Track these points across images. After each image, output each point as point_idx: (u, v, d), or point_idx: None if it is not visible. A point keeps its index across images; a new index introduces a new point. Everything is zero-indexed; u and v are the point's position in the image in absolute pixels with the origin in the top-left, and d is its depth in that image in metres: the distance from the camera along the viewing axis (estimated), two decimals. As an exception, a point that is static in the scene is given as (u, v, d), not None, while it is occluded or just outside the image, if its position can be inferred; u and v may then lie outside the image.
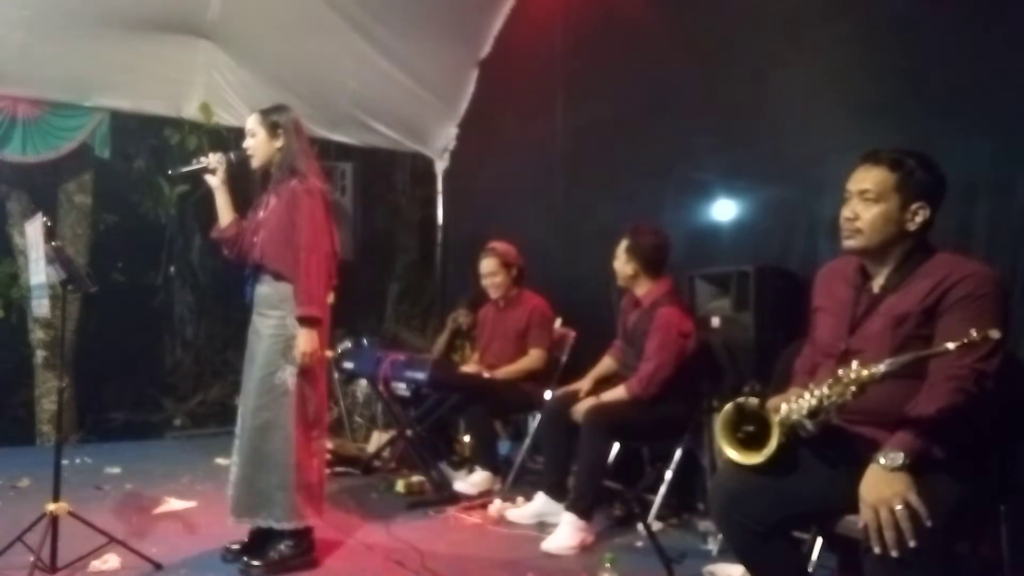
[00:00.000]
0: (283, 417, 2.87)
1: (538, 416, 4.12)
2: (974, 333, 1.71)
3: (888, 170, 2.00)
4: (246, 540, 3.00)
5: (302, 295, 2.83)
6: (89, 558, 2.86)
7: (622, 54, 4.48)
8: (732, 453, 2.02)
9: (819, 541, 2.33)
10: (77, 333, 5.41)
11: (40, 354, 5.39)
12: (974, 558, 2.09)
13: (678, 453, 3.49)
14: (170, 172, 3.96)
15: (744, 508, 1.99)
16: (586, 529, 3.27)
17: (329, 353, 3.70)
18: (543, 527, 3.45)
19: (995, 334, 1.72)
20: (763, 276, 3.39)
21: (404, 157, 6.51)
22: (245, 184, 3.30)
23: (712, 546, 3.17)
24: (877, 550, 1.73)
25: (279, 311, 2.89)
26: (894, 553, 1.71)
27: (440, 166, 6.09)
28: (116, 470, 4.54)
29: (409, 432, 4.29)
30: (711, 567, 2.89)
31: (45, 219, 2.86)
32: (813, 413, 1.88)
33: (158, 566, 2.89)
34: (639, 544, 3.27)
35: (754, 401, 2.02)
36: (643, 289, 3.56)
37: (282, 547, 2.90)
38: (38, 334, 5.37)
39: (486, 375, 4.28)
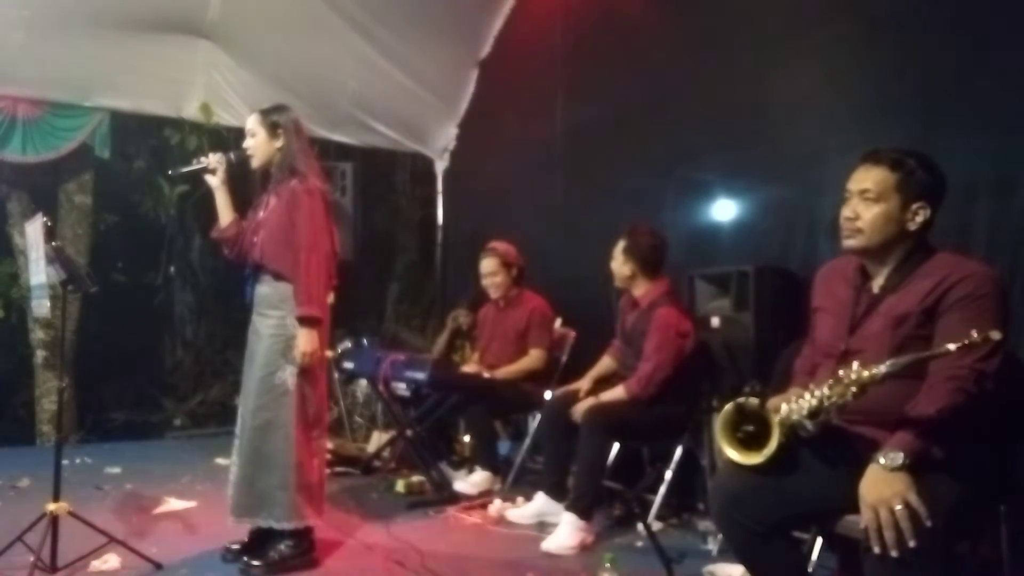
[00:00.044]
0: (283, 417, 2.87)
1: (538, 416, 4.12)
2: (975, 334, 1.71)
3: (889, 170, 2.00)
4: (246, 540, 3.00)
5: (302, 295, 2.83)
6: (89, 558, 2.86)
7: (622, 54, 4.48)
8: (732, 453, 2.02)
9: (819, 541, 2.33)
10: (77, 333, 5.41)
11: (40, 354, 5.39)
12: (974, 558, 2.10)
13: (678, 453, 3.49)
14: (170, 172, 3.96)
15: (744, 508, 1.99)
16: (586, 529, 3.27)
17: (329, 353, 3.70)
18: (543, 527, 3.45)
19: (996, 335, 1.72)
20: (763, 276, 3.39)
21: (404, 157, 6.51)
22: (245, 184, 3.30)
23: (712, 546, 3.17)
24: (877, 550, 1.73)
25: (279, 311, 2.89)
26: (894, 553, 1.70)
27: (440, 166, 6.09)
28: (116, 470, 4.54)
29: (409, 432, 4.29)
30: (711, 567, 2.89)
31: (45, 219, 2.86)
32: (813, 413, 1.88)
33: (158, 566, 2.90)
34: (639, 544, 3.27)
35: (754, 401, 2.01)
36: (641, 289, 3.56)
37: (282, 547, 2.90)
38: (38, 334, 5.37)
39: (486, 375, 4.28)
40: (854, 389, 1.82)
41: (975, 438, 1.90)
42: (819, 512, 2.04)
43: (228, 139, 4.99)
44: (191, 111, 5.25)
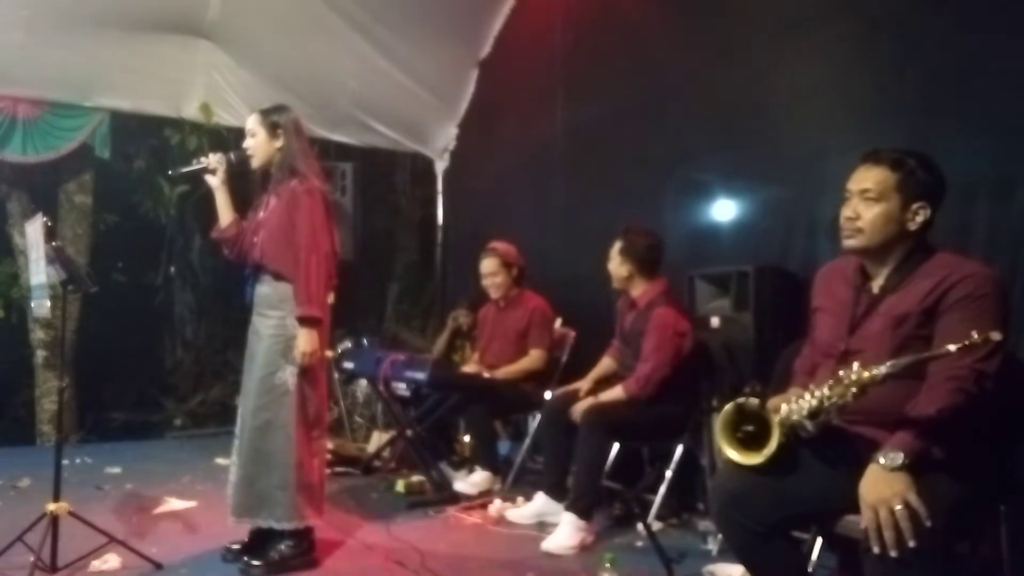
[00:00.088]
0: (283, 417, 2.87)
1: (538, 416, 4.12)
2: (975, 335, 1.71)
3: (889, 170, 2.00)
4: (246, 540, 3.00)
5: (302, 295, 2.83)
6: (89, 558, 2.86)
7: (622, 54, 4.48)
8: (732, 453, 2.02)
9: (819, 541, 2.33)
10: (77, 333, 5.42)
11: (40, 354, 5.39)
12: (974, 558, 2.10)
13: (678, 453, 3.49)
14: (170, 172, 3.95)
15: (744, 508, 1.99)
16: (586, 529, 3.27)
17: (329, 353, 3.70)
18: (543, 527, 3.45)
19: (996, 335, 1.72)
20: (763, 276, 3.39)
21: (404, 157, 6.51)
22: (245, 184, 3.30)
23: (712, 546, 3.17)
24: (877, 550, 1.73)
25: (279, 311, 2.89)
26: (893, 553, 1.70)
27: (440, 166, 6.09)
28: (116, 470, 4.55)
29: (409, 432, 4.29)
30: (711, 567, 2.89)
31: (45, 219, 2.86)
32: (813, 414, 1.88)
33: (158, 566, 2.90)
34: (639, 544, 3.27)
35: (754, 401, 2.02)
36: (638, 290, 3.56)
37: (282, 547, 2.90)
38: (38, 334, 5.37)
39: (486, 375, 4.28)
40: (854, 389, 1.82)
41: (975, 438, 1.90)
42: (819, 512, 2.04)
43: (228, 139, 4.99)
44: (191, 111, 5.25)
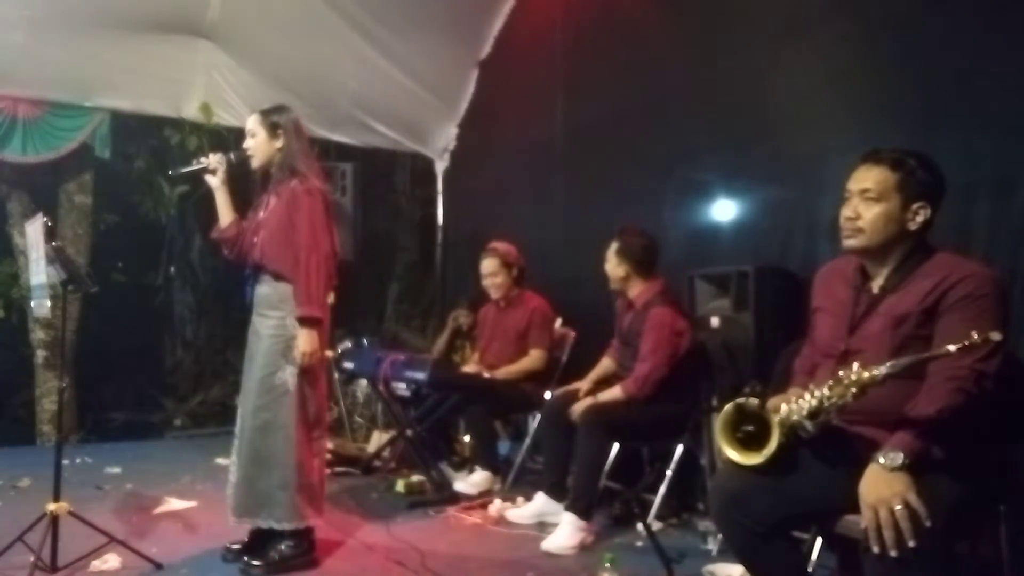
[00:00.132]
0: (283, 417, 2.87)
1: (538, 416, 4.12)
2: (975, 335, 1.71)
3: (889, 170, 2.00)
4: (246, 540, 3.00)
5: (302, 295, 2.83)
6: (89, 558, 2.86)
7: (622, 54, 4.48)
8: (732, 453, 2.02)
9: (819, 541, 2.33)
10: (77, 333, 5.41)
11: (40, 354, 5.39)
12: (974, 558, 2.10)
13: (678, 453, 3.49)
14: (170, 172, 3.96)
15: (744, 508, 1.99)
16: (586, 529, 3.28)
17: (329, 353, 3.71)
18: (543, 527, 3.45)
19: (996, 336, 1.73)
20: (763, 276, 3.39)
21: (404, 157, 6.51)
22: (245, 184, 3.30)
23: (712, 546, 3.18)
24: (876, 550, 1.73)
25: (279, 311, 2.90)
26: (893, 553, 1.70)
27: (440, 166, 6.10)
28: (116, 470, 4.55)
29: (409, 432, 4.29)
30: (711, 567, 2.89)
31: (45, 219, 2.86)
32: (813, 414, 1.88)
33: (158, 566, 2.90)
34: (639, 544, 3.27)
35: (754, 401, 2.01)
36: (636, 290, 3.57)
37: (283, 547, 2.90)
38: (38, 334, 5.37)
39: (486, 375, 4.28)
40: (854, 390, 1.82)
41: (975, 438, 1.90)
42: (819, 512, 2.04)
43: (228, 139, 4.99)
44: (191, 111, 5.25)
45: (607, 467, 3.63)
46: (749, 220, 3.88)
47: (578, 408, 3.44)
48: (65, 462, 3.13)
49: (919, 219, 1.99)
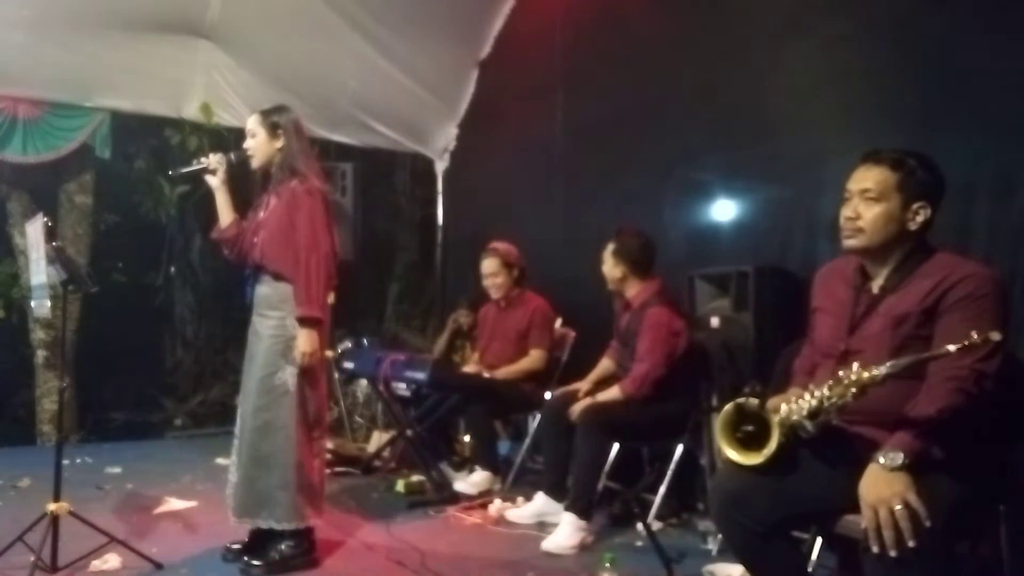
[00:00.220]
0: (284, 417, 2.87)
1: (538, 416, 4.12)
2: (975, 335, 1.71)
3: (889, 170, 2.00)
4: (247, 540, 3.01)
5: (302, 295, 2.83)
6: (90, 558, 2.86)
7: (622, 54, 4.48)
8: (732, 453, 2.02)
9: (819, 541, 2.33)
10: (78, 333, 5.41)
11: (41, 354, 5.39)
12: (974, 558, 2.09)
13: (678, 453, 3.49)
14: (171, 172, 3.95)
15: (744, 508, 1.99)
16: (586, 529, 3.28)
17: (329, 353, 3.71)
18: (543, 527, 3.45)
19: (996, 336, 1.73)
20: (763, 276, 3.39)
21: (404, 157, 6.51)
22: (245, 184, 3.30)
23: (712, 546, 3.18)
24: (876, 550, 1.73)
25: (279, 312, 2.90)
26: (893, 553, 1.71)
27: (440, 166, 6.10)
28: (117, 470, 4.55)
29: (409, 432, 4.29)
30: (711, 567, 2.89)
31: (46, 219, 2.87)
32: (813, 414, 1.88)
33: (158, 566, 2.90)
34: (639, 544, 3.27)
35: (754, 401, 2.02)
36: (633, 290, 3.58)
37: (283, 547, 2.90)
38: (39, 334, 5.37)
39: (486, 375, 4.28)
40: (854, 390, 1.82)
41: (975, 438, 1.90)
42: (819, 512, 2.04)
43: (228, 139, 4.99)
44: (191, 111, 5.25)
45: (607, 467, 3.63)
46: (749, 220, 3.88)
47: (577, 408, 3.45)
48: (65, 462, 3.13)
49: (919, 219, 1.99)
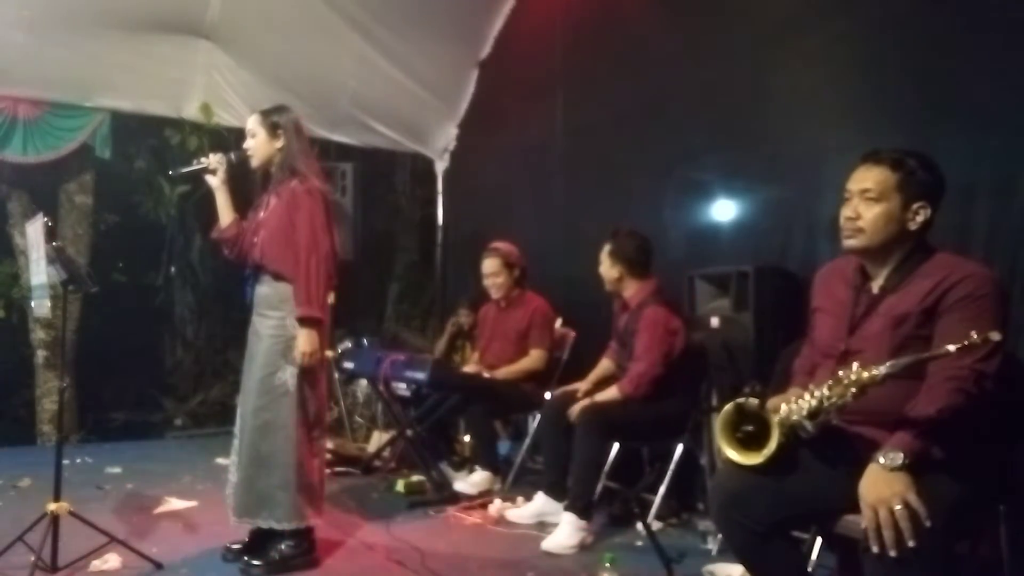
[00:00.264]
0: (284, 417, 2.87)
1: (538, 416, 4.12)
2: (974, 335, 1.71)
3: (889, 170, 2.00)
4: (247, 540, 3.01)
5: (302, 295, 2.83)
6: (90, 558, 2.86)
7: (622, 54, 4.48)
8: (732, 453, 2.02)
9: (819, 541, 2.33)
10: (78, 333, 5.42)
11: (41, 354, 5.39)
12: (974, 558, 2.10)
13: (678, 452, 3.49)
14: (171, 172, 3.95)
15: (744, 508, 1.99)
16: (586, 529, 3.28)
17: (329, 353, 3.70)
18: (543, 527, 3.45)
19: (995, 336, 1.73)
20: (763, 276, 3.39)
21: (404, 157, 6.51)
22: (245, 184, 3.30)
23: (712, 546, 3.18)
24: (876, 550, 1.73)
25: (279, 312, 2.90)
26: (893, 553, 1.71)
27: (440, 166, 6.10)
28: (117, 470, 4.55)
29: (409, 432, 4.29)
30: (711, 567, 2.89)
31: (46, 219, 2.87)
32: (813, 414, 1.88)
33: (159, 566, 2.90)
34: (639, 544, 3.27)
35: (754, 401, 2.02)
36: (630, 291, 3.60)
37: (283, 547, 2.90)
38: (39, 334, 5.38)
39: (486, 375, 4.28)
40: (854, 390, 1.82)
41: (975, 438, 1.90)
42: (819, 512, 2.04)
43: (228, 139, 4.99)
44: (191, 111, 5.25)
45: (607, 467, 3.64)
46: (749, 220, 3.88)
47: (575, 408, 3.45)
48: (65, 462, 3.13)
49: (919, 219, 1.99)
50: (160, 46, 4.94)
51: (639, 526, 3.33)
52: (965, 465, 1.85)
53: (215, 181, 3.04)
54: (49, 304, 3.02)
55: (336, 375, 5.18)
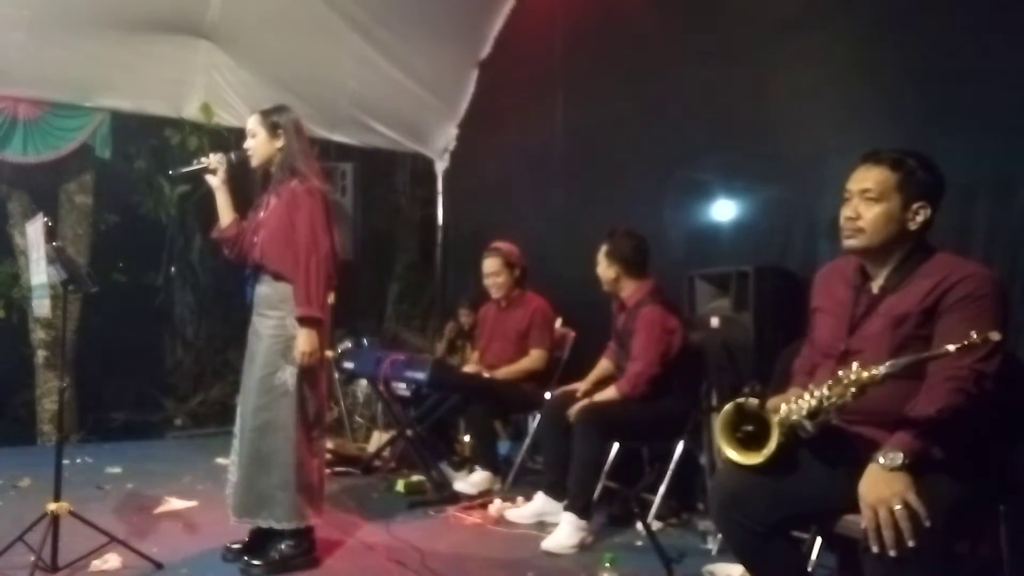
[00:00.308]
0: (283, 417, 2.87)
1: (538, 416, 4.12)
2: (974, 335, 1.71)
3: (889, 170, 2.00)
4: (247, 540, 3.01)
5: (302, 295, 2.83)
6: (90, 557, 2.86)
7: (622, 54, 4.48)
8: (732, 453, 2.02)
9: (819, 541, 2.33)
10: (78, 333, 5.42)
11: (41, 354, 5.39)
12: (974, 558, 2.10)
13: (677, 452, 3.49)
14: (171, 172, 3.96)
15: (744, 508, 1.99)
16: (585, 528, 3.28)
17: (329, 353, 3.70)
18: (543, 527, 3.45)
19: (995, 336, 1.72)
20: (763, 276, 3.39)
21: (404, 157, 6.52)
22: (246, 184, 3.30)
23: (712, 546, 3.18)
24: (876, 550, 1.73)
25: (279, 311, 2.90)
26: (893, 553, 1.71)
27: (440, 166, 6.10)
28: (117, 470, 4.55)
29: (409, 432, 4.29)
30: (711, 567, 2.89)
31: (46, 219, 2.87)
32: (813, 414, 1.88)
33: (159, 566, 2.90)
34: (639, 544, 3.27)
35: (754, 401, 2.02)
36: (627, 291, 3.60)
37: (283, 547, 2.90)
38: (39, 334, 5.38)
39: (486, 375, 4.28)
40: (853, 390, 1.82)
41: (975, 438, 1.90)
42: (819, 512, 2.04)
43: (229, 139, 4.99)
44: (191, 111, 5.25)
45: (607, 467, 3.64)
46: (749, 220, 3.88)
47: (574, 409, 3.45)
48: (66, 462, 3.13)
49: (919, 219, 1.99)
50: (160, 46, 4.95)
51: (639, 526, 3.33)
52: (965, 465, 1.85)
53: (215, 181, 3.04)
54: (49, 304, 3.02)
55: (336, 375, 5.18)
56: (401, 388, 4.27)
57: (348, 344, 5.26)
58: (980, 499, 1.93)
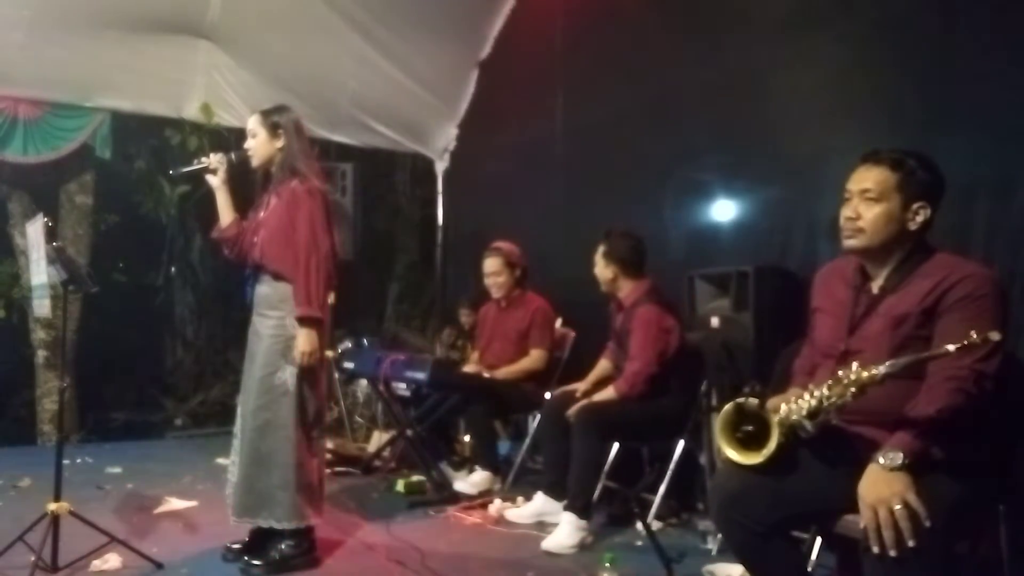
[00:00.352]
0: (283, 417, 2.87)
1: (538, 416, 4.12)
2: (974, 335, 1.71)
3: (889, 170, 2.00)
4: (247, 540, 3.01)
5: (302, 295, 2.83)
6: (90, 557, 2.86)
7: (622, 55, 4.48)
8: (732, 453, 2.02)
9: (819, 541, 2.33)
10: (78, 333, 5.42)
11: (41, 354, 5.39)
12: (974, 558, 2.10)
13: (677, 452, 3.49)
14: (171, 172, 3.96)
15: (744, 508, 1.99)
16: (585, 528, 3.28)
17: (329, 353, 3.71)
18: (543, 527, 3.45)
19: (995, 336, 1.72)
20: (763, 276, 3.39)
21: (404, 157, 6.52)
22: (246, 184, 3.30)
23: (712, 546, 3.18)
24: (876, 550, 1.73)
25: (279, 311, 2.90)
26: (893, 553, 1.71)
27: (440, 166, 6.10)
28: (117, 470, 4.55)
29: (409, 432, 4.29)
30: (711, 567, 2.89)
31: (46, 219, 2.87)
32: (813, 414, 1.88)
33: (159, 566, 2.90)
34: (639, 544, 3.27)
35: (754, 401, 2.02)
36: (624, 291, 3.61)
37: (283, 547, 2.90)
38: (39, 334, 5.38)
39: (486, 375, 4.28)
40: (853, 390, 1.82)
41: (975, 438, 1.90)
42: (819, 512, 2.04)
43: (229, 139, 5.00)
44: (192, 111, 5.25)
45: (607, 467, 3.64)
46: (749, 220, 3.88)
47: (573, 409, 3.45)
48: (66, 462, 3.13)
49: (919, 219, 1.99)
50: (160, 46, 4.95)
51: (639, 526, 3.33)
52: (965, 465, 1.85)
53: (215, 181, 3.04)
54: (49, 304, 3.02)
55: (336, 375, 5.18)
56: (401, 388, 4.27)
57: (348, 344, 5.26)
58: (980, 499, 1.93)
